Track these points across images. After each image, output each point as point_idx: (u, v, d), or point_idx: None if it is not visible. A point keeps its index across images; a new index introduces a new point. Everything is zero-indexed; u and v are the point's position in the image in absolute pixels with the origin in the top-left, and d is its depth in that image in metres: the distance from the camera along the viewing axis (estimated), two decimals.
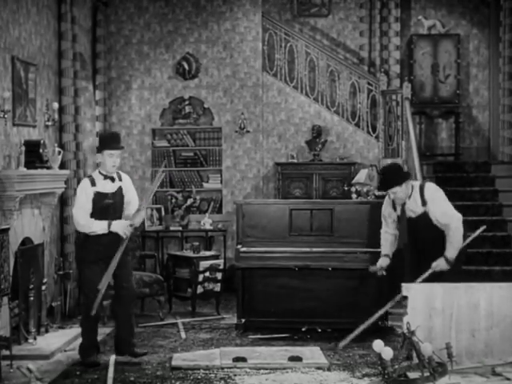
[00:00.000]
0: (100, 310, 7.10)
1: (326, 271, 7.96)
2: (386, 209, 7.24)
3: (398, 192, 6.95)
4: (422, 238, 7.02)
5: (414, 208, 6.98)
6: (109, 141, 7.02)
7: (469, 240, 7.09)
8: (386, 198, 7.22)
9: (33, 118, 8.31)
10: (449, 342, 6.33)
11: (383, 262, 7.32)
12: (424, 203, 6.93)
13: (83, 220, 6.83)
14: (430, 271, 6.85)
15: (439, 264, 6.83)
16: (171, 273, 9.69)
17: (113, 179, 6.97)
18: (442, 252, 6.84)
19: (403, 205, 7.03)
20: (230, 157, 11.18)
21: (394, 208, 7.15)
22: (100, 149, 6.98)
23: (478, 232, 7.35)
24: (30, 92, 8.22)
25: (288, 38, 11.33)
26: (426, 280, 6.80)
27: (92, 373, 6.63)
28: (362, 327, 7.09)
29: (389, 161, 10.83)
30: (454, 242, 6.84)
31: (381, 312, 7.16)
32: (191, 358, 6.95)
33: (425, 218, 6.95)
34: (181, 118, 11.30)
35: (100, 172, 6.98)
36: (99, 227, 6.80)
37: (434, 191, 7.01)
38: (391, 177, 7.00)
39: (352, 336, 7.14)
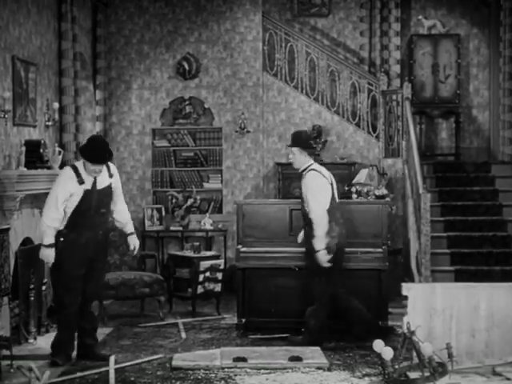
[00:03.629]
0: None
1: None
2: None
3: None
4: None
5: (103, 179, 6.78)
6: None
7: None
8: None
9: (33, 117, 8.31)
10: (449, 342, 6.34)
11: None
12: (111, 175, 6.82)
13: None
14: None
15: None
16: (171, 273, 9.69)
17: None
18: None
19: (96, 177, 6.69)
20: (230, 157, 11.18)
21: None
22: None
23: None
24: (30, 92, 8.22)
25: (288, 38, 11.32)
26: None
27: (92, 373, 6.63)
28: None
29: (389, 161, 10.85)
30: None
31: None
32: (191, 358, 6.94)
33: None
34: (181, 118, 11.30)
35: None
36: None
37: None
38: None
39: None
